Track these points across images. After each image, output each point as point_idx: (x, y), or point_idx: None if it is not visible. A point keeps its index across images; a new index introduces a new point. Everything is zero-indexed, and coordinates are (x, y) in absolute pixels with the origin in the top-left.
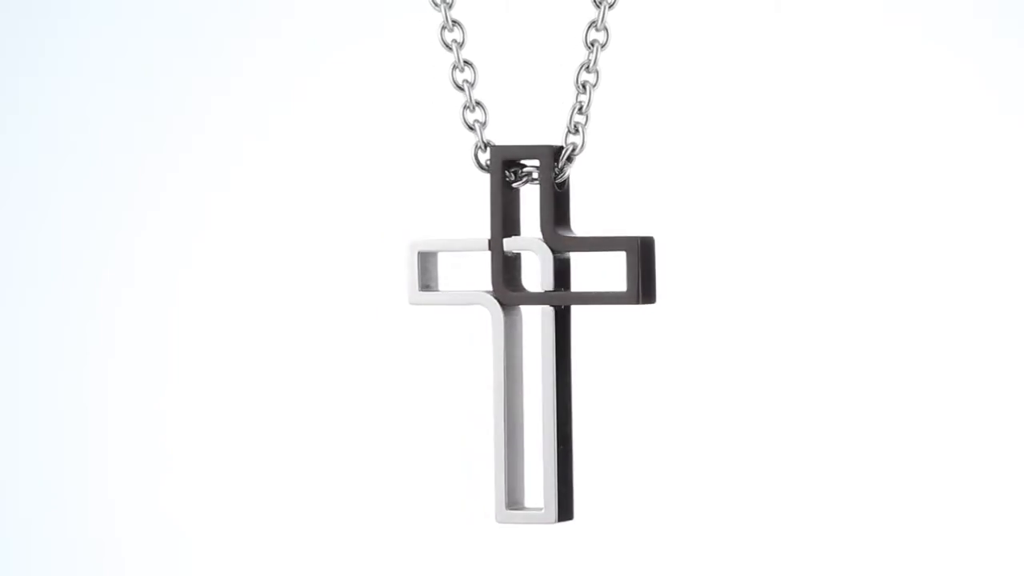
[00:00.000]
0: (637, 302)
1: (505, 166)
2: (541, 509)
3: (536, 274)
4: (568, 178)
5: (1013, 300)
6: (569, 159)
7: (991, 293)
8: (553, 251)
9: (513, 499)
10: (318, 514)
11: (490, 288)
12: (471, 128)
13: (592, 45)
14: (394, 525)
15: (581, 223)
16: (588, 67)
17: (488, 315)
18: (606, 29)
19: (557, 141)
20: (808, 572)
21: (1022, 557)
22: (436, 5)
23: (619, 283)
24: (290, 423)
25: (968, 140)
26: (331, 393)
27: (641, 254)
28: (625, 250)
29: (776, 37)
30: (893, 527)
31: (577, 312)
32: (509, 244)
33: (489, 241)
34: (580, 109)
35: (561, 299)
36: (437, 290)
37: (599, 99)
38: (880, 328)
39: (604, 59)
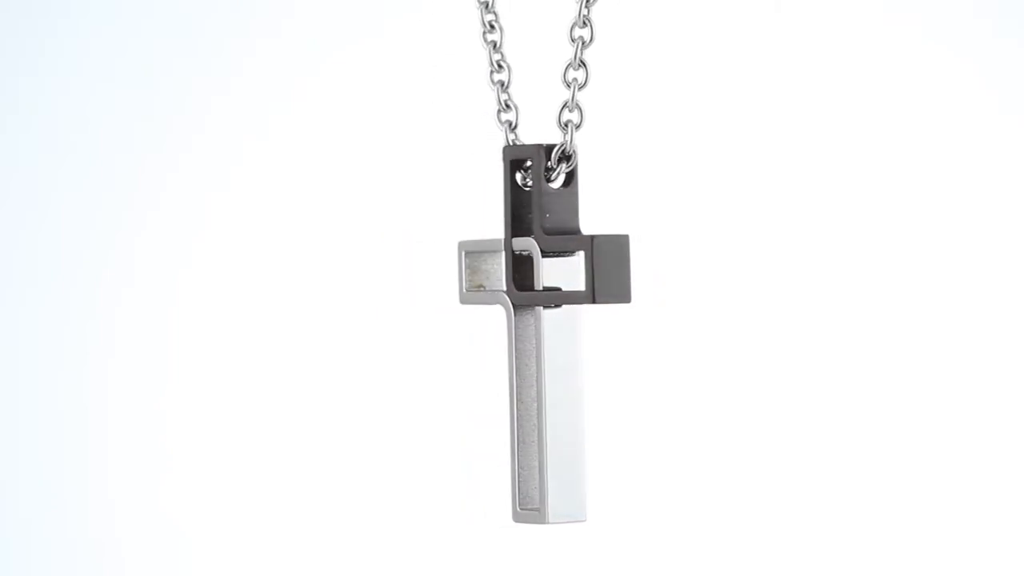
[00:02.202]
0: (591, 302)
1: (514, 166)
2: (537, 509)
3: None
4: (570, 177)
5: (1013, 300)
6: (564, 158)
7: (991, 293)
8: (542, 251)
9: (530, 500)
10: (323, 515)
11: (505, 288)
12: (503, 128)
13: (576, 41)
14: (395, 526)
15: (601, 223)
16: (574, 64)
17: (503, 314)
18: (589, 25)
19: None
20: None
21: (1022, 557)
22: (481, 4)
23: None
24: (292, 424)
25: (968, 140)
26: (338, 393)
27: (594, 253)
28: (582, 249)
29: (776, 37)
30: (893, 524)
31: (587, 312)
32: (517, 244)
33: (503, 241)
34: (569, 107)
35: (529, 299)
36: (486, 290)
37: (599, 98)
38: (878, 327)
39: (600, 57)
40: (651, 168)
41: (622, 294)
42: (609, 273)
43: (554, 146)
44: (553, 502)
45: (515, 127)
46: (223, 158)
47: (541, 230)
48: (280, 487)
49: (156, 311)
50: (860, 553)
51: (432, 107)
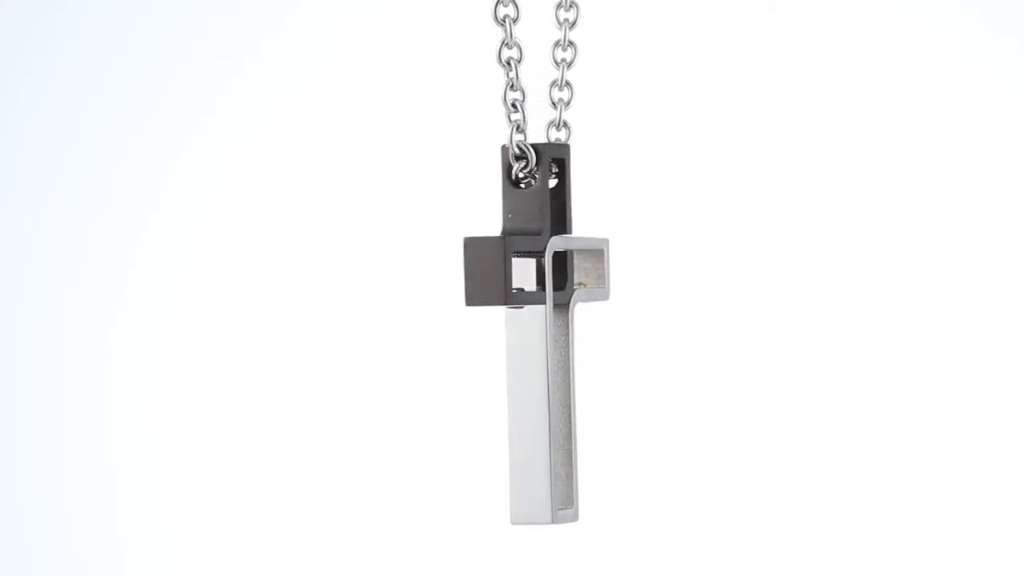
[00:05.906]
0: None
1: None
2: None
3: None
4: (534, 177)
5: (1012, 300)
6: (517, 157)
7: (990, 293)
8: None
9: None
10: (329, 516)
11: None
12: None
13: (503, 21)
14: (391, 526)
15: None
16: (501, 61)
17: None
18: (507, 23)
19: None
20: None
21: (1022, 557)
22: (499, 23)
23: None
24: (295, 425)
25: (968, 140)
26: (342, 394)
27: (464, 253)
28: None
29: (771, 37)
30: (885, 523)
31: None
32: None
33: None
34: (509, 108)
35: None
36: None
37: (595, 100)
38: (867, 328)
39: (595, 58)
40: (647, 168)
41: (491, 297)
42: (477, 275)
43: (507, 146)
44: (514, 503)
45: (523, 128)
46: (223, 158)
47: (509, 231)
48: (281, 488)
49: (158, 313)
50: (844, 550)
51: (432, 106)
